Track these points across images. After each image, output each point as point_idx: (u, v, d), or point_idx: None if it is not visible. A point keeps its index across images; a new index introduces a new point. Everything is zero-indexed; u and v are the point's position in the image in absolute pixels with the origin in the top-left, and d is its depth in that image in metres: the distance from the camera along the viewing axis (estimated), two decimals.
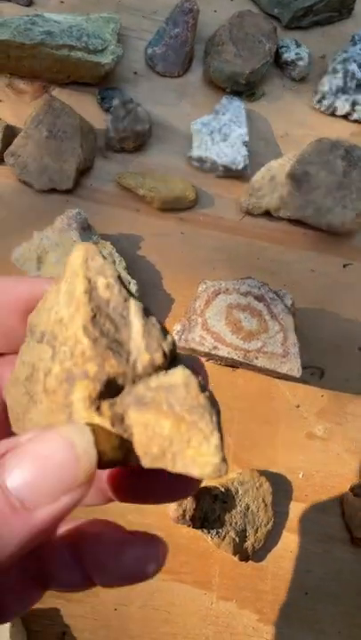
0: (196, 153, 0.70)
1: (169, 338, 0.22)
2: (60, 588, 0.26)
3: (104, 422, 0.20)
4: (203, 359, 0.61)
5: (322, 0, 0.82)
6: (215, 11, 0.83)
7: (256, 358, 0.57)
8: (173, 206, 0.69)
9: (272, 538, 0.57)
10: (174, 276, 0.66)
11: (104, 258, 0.22)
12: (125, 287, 0.22)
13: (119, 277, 0.22)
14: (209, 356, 0.59)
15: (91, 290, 0.21)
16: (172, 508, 0.52)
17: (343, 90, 0.77)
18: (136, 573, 0.24)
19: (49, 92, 0.71)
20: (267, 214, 0.70)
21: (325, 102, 0.77)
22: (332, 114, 0.78)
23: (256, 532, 0.55)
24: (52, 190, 0.67)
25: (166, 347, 0.21)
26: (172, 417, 0.20)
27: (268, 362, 0.57)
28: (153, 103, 0.74)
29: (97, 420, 0.20)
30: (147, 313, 0.22)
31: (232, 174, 0.71)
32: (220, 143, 0.70)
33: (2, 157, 0.68)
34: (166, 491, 0.25)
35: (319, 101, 0.77)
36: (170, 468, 0.20)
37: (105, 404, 0.20)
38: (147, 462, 0.20)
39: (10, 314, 0.24)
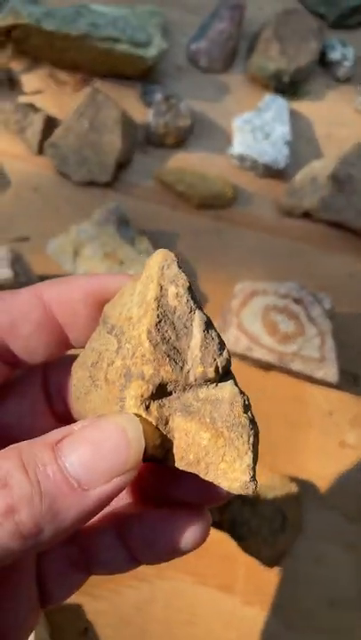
0: (237, 150, 0.69)
1: (225, 354, 0.23)
2: (104, 570, 0.26)
3: (150, 419, 0.22)
4: (236, 359, 0.61)
5: None
6: (261, 8, 0.82)
7: (292, 361, 0.56)
8: (211, 204, 0.68)
9: (299, 544, 0.56)
10: (209, 274, 0.65)
11: (179, 267, 0.23)
12: (194, 298, 0.23)
13: (190, 288, 0.23)
14: (243, 357, 0.58)
15: (161, 297, 0.22)
16: None
17: None
18: (182, 546, 0.24)
19: (92, 84, 0.70)
20: (306, 215, 0.69)
21: None
22: None
23: (283, 537, 0.54)
24: (91, 183, 0.67)
25: (220, 362, 0.22)
26: (212, 430, 0.21)
27: (304, 366, 0.56)
28: (195, 99, 0.73)
29: (144, 417, 0.22)
30: (209, 326, 0.23)
31: (272, 173, 0.70)
32: (263, 141, 0.69)
33: (41, 148, 0.67)
34: (194, 497, 0.25)
35: None
36: (202, 475, 0.22)
37: (154, 405, 0.22)
38: (182, 465, 0.22)
39: (81, 308, 0.25)
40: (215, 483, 0.21)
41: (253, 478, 0.21)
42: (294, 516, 0.55)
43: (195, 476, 0.22)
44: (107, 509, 0.26)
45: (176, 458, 0.22)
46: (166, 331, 0.22)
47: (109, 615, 0.52)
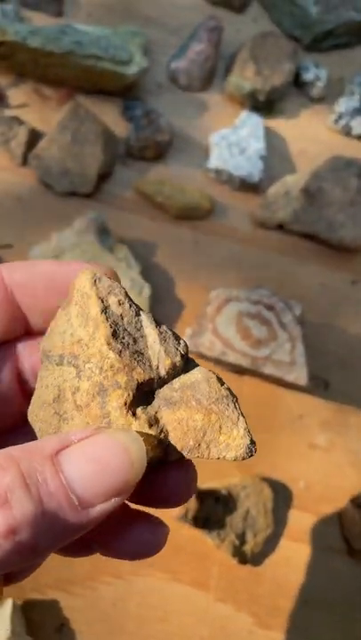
0: (213, 164, 0.72)
1: (182, 342, 0.24)
2: (61, 551, 0.26)
3: (142, 425, 0.22)
4: (210, 364, 0.63)
5: (342, 25, 0.85)
6: (238, 30, 0.85)
7: (264, 365, 0.58)
8: (189, 215, 0.70)
9: (271, 544, 0.58)
10: (187, 283, 0.68)
11: (108, 277, 0.24)
12: (133, 302, 0.24)
13: (127, 294, 0.24)
14: (217, 361, 0.61)
15: (105, 308, 0.23)
16: None
17: (359, 111, 0.79)
18: (138, 554, 0.25)
19: (75, 99, 0.73)
20: (280, 227, 0.72)
21: (341, 122, 0.79)
22: (348, 134, 0.80)
23: (255, 536, 0.56)
24: (72, 193, 0.69)
25: (182, 349, 0.24)
26: (202, 410, 0.22)
27: (276, 369, 0.58)
28: (174, 115, 0.76)
29: (135, 424, 0.22)
30: (157, 323, 0.24)
31: (247, 187, 0.73)
32: (238, 156, 0.72)
33: (25, 159, 0.70)
34: (163, 497, 0.25)
35: (336, 121, 0.79)
36: (205, 456, 0.22)
37: (139, 409, 0.22)
38: (185, 454, 0.23)
39: (42, 294, 0.26)
40: (220, 457, 0.22)
41: (253, 440, 0.22)
42: (266, 515, 0.57)
43: (152, 482, 0.23)
44: None
45: (177, 450, 0.23)
46: (123, 337, 0.23)
47: (85, 611, 0.53)
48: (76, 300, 0.23)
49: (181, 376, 0.23)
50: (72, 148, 0.68)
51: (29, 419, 0.25)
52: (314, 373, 0.65)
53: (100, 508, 0.20)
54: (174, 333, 0.24)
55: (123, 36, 0.76)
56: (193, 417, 0.22)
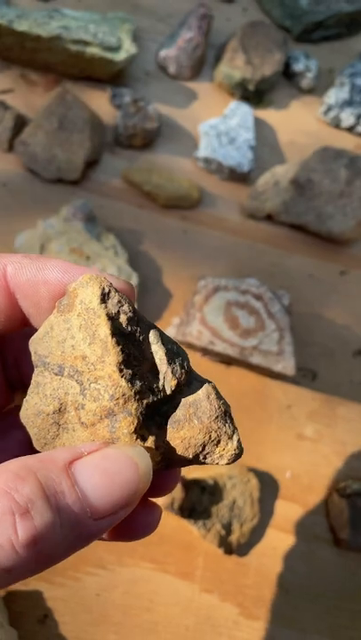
0: (202, 153, 0.71)
1: (185, 357, 0.25)
2: None
3: (149, 445, 0.23)
4: (198, 354, 0.62)
5: (332, 16, 0.84)
6: (228, 19, 0.85)
7: (251, 355, 0.58)
8: (177, 204, 0.70)
9: (257, 533, 0.58)
10: (174, 272, 0.67)
11: (115, 290, 0.23)
12: (142, 317, 0.24)
13: (135, 309, 0.24)
14: (205, 351, 0.60)
15: (114, 330, 0.22)
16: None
17: (349, 103, 0.78)
18: (133, 534, 0.25)
19: (62, 85, 0.72)
20: (269, 218, 0.71)
21: (331, 114, 0.79)
22: (337, 126, 0.79)
23: (241, 526, 0.56)
24: (59, 180, 0.68)
25: (186, 367, 0.24)
26: (203, 430, 0.24)
27: (263, 359, 0.58)
28: (163, 103, 0.76)
29: (142, 445, 0.23)
30: (162, 335, 0.24)
31: (237, 177, 0.72)
32: (227, 146, 0.71)
33: (11, 145, 0.68)
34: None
35: (325, 113, 0.79)
36: (200, 464, 0.24)
37: (147, 432, 0.23)
38: (185, 464, 0.25)
39: (45, 303, 0.25)
40: (213, 464, 0.24)
41: (241, 448, 0.24)
42: (252, 505, 0.57)
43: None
44: None
45: (178, 462, 0.24)
46: (133, 361, 0.23)
47: (69, 602, 0.52)
48: (80, 312, 0.23)
49: (185, 393, 0.24)
50: (59, 135, 0.67)
51: (23, 421, 0.25)
52: (302, 364, 0.65)
53: (110, 519, 0.20)
54: (178, 347, 0.25)
55: (112, 23, 0.75)
56: (195, 436, 0.24)
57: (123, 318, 0.23)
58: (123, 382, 0.22)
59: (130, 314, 0.23)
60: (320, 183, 0.69)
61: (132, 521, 0.25)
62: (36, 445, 0.25)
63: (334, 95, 0.79)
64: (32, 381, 0.24)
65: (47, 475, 0.19)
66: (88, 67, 0.73)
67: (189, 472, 0.56)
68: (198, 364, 0.63)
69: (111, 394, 0.22)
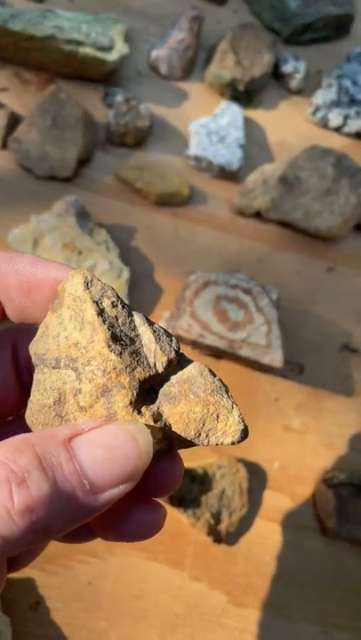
0: (193, 152, 0.73)
1: (174, 339, 0.26)
2: (64, 539, 0.27)
3: (147, 421, 0.23)
4: (188, 348, 0.63)
5: (321, 19, 0.86)
6: (219, 22, 0.86)
7: (240, 348, 0.59)
8: (168, 201, 0.71)
9: (245, 523, 0.59)
10: (165, 268, 0.68)
11: (99, 280, 0.25)
12: (125, 303, 0.25)
13: (118, 295, 0.25)
14: (195, 344, 0.61)
15: (100, 311, 0.24)
16: None
17: (337, 104, 0.80)
18: (139, 535, 0.26)
19: (55, 83, 0.73)
20: (257, 215, 0.73)
21: (319, 114, 0.80)
22: (325, 126, 0.81)
23: (230, 515, 0.57)
24: (52, 178, 0.69)
25: (175, 346, 0.25)
26: (200, 402, 0.24)
27: (252, 352, 0.59)
28: (154, 103, 0.77)
29: (141, 420, 0.23)
30: (148, 320, 0.25)
31: (226, 175, 0.74)
32: (217, 144, 0.73)
33: (5, 143, 0.69)
34: (153, 488, 0.26)
35: (313, 113, 0.81)
36: (205, 444, 0.24)
37: (143, 407, 0.24)
38: (188, 444, 0.24)
39: (15, 293, 0.26)
40: (218, 444, 0.24)
41: (245, 425, 0.24)
42: (241, 495, 0.58)
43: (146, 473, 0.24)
44: None
45: (180, 440, 0.24)
46: (121, 339, 0.24)
47: (60, 589, 0.53)
48: (68, 304, 0.24)
49: (177, 371, 0.25)
50: (52, 132, 0.68)
51: (28, 422, 0.25)
52: (289, 358, 0.66)
53: (109, 494, 0.20)
54: (166, 331, 0.25)
55: (104, 23, 0.76)
56: (193, 409, 0.24)
57: (107, 302, 0.24)
58: (113, 356, 0.23)
59: (113, 298, 0.24)
60: (308, 181, 0.70)
61: (136, 521, 0.25)
62: None
63: (322, 96, 0.80)
64: (34, 381, 0.25)
65: (45, 448, 0.20)
66: (81, 66, 0.74)
67: None
68: (189, 357, 0.64)
69: (103, 369, 0.23)
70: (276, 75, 0.83)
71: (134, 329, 0.25)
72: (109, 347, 0.23)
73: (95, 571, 0.55)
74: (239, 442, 0.24)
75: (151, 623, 0.54)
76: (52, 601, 0.53)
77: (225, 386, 0.25)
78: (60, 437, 0.20)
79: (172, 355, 0.24)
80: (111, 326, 0.24)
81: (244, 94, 0.80)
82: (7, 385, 0.28)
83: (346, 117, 0.80)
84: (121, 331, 0.24)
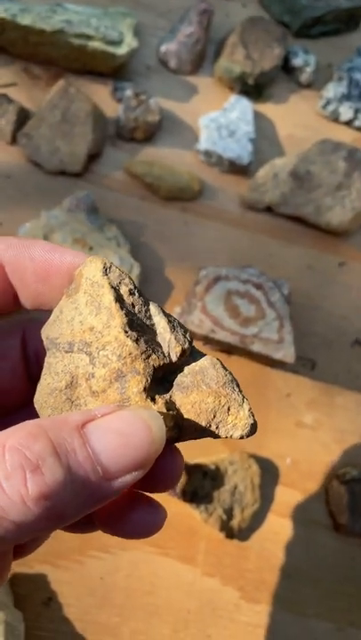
0: (203, 146, 0.72)
1: (188, 331, 0.26)
2: (66, 527, 0.27)
3: (160, 408, 0.23)
4: (200, 343, 0.63)
5: (331, 12, 0.85)
6: (228, 15, 0.86)
7: (252, 343, 0.59)
8: (178, 196, 0.71)
9: (258, 519, 0.59)
10: (175, 263, 0.68)
11: (117, 267, 0.25)
12: (142, 292, 0.25)
13: (135, 284, 0.25)
14: (206, 339, 0.61)
15: (118, 297, 0.24)
16: None
17: (347, 97, 0.79)
18: (138, 534, 0.26)
19: (65, 78, 0.73)
20: (268, 210, 0.72)
21: (330, 108, 0.80)
22: (336, 119, 0.80)
23: (243, 511, 0.57)
24: (62, 173, 0.69)
25: (188, 337, 0.25)
26: (212, 394, 0.24)
27: (264, 347, 0.59)
28: (164, 97, 0.76)
29: (154, 407, 0.23)
30: (163, 310, 0.25)
31: (236, 169, 0.73)
32: (227, 138, 0.72)
33: (14, 138, 0.69)
34: (154, 483, 0.26)
35: (324, 107, 0.80)
36: (214, 435, 0.24)
37: (155, 394, 0.24)
38: (197, 435, 0.24)
39: (30, 278, 0.26)
40: (227, 436, 0.24)
41: (255, 420, 0.24)
42: (253, 490, 0.58)
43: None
44: None
45: (191, 430, 0.24)
46: (138, 325, 0.24)
47: (73, 585, 0.53)
48: (85, 289, 0.24)
49: (191, 362, 0.25)
50: (62, 127, 0.68)
51: (36, 406, 0.25)
52: (301, 354, 0.66)
53: (122, 480, 0.20)
54: (180, 322, 0.26)
55: (113, 17, 0.76)
56: (205, 400, 0.24)
57: (124, 289, 0.24)
58: (129, 342, 0.23)
59: (130, 286, 0.24)
60: (319, 175, 0.70)
61: (136, 520, 0.25)
62: None
63: (333, 89, 0.80)
64: (44, 365, 0.25)
65: (59, 434, 0.20)
66: (90, 61, 0.73)
67: (191, 458, 0.57)
68: None
69: (118, 354, 0.23)
70: (286, 68, 0.83)
71: (150, 318, 0.25)
72: (126, 332, 0.23)
73: (107, 566, 0.55)
74: (248, 436, 0.24)
75: (163, 619, 0.54)
76: (65, 596, 0.53)
77: (236, 380, 0.25)
78: (73, 423, 0.20)
79: (186, 345, 0.25)
80: (128, 313, 0.24)
81: (254, 88, 0.79)
82: (15, 374, 0.28)
83: (357, 111, 0.79)
84: (137, 318, 0.24)
